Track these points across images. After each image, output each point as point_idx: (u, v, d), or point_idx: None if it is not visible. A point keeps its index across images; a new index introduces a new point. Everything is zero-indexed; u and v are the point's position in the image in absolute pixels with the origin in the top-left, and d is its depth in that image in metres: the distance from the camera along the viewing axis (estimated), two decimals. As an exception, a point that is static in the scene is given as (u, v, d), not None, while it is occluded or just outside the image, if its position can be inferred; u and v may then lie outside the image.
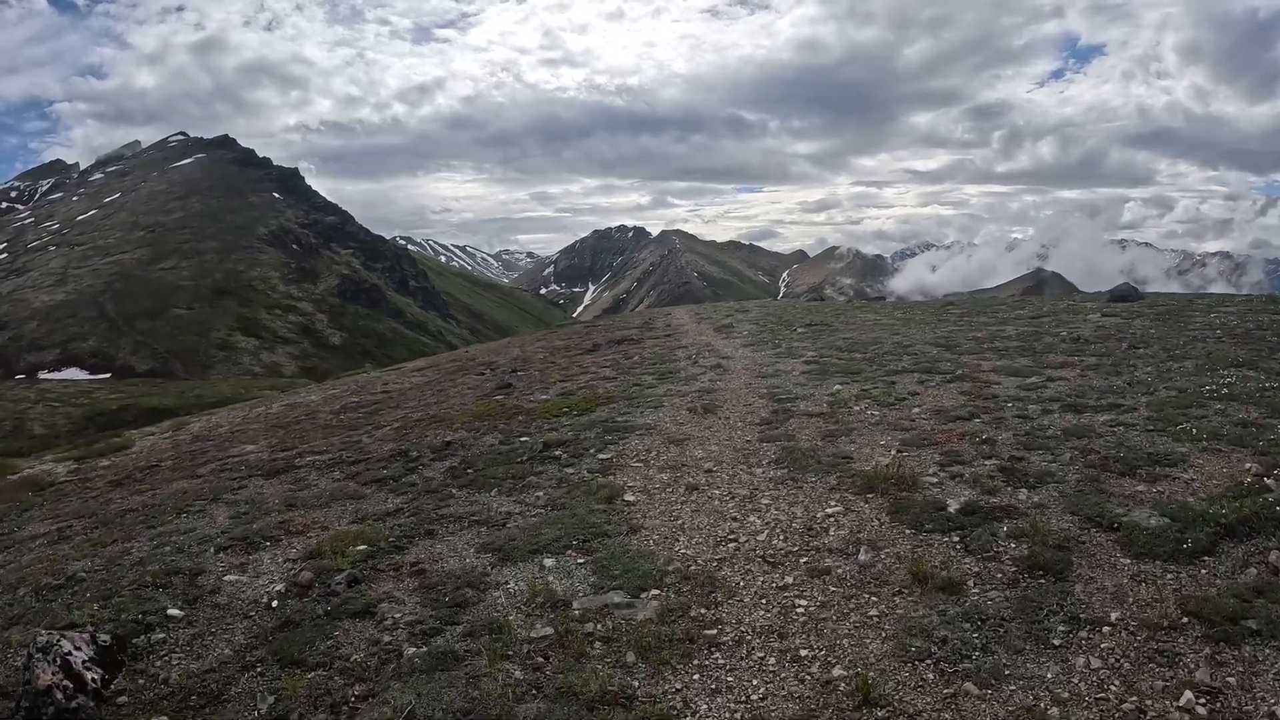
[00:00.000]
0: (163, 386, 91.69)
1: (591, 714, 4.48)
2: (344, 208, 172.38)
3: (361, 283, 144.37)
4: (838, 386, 11.94)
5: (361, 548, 7.03)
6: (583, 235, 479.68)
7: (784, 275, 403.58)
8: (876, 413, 10.21)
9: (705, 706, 4.57)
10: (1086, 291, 43.82)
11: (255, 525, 8.37)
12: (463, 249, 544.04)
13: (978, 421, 9.32)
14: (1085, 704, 4.28)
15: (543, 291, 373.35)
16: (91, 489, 13.64)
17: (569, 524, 7.02)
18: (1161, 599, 4.99)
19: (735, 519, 7.00)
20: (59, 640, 5.27)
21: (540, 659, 5.05)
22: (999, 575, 5.53)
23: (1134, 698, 4.28)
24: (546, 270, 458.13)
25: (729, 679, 4.79)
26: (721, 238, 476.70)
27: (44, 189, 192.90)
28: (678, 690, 4.71)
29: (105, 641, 5.72)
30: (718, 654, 5.02)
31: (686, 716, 4.51)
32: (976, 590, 5.37)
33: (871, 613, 5.27)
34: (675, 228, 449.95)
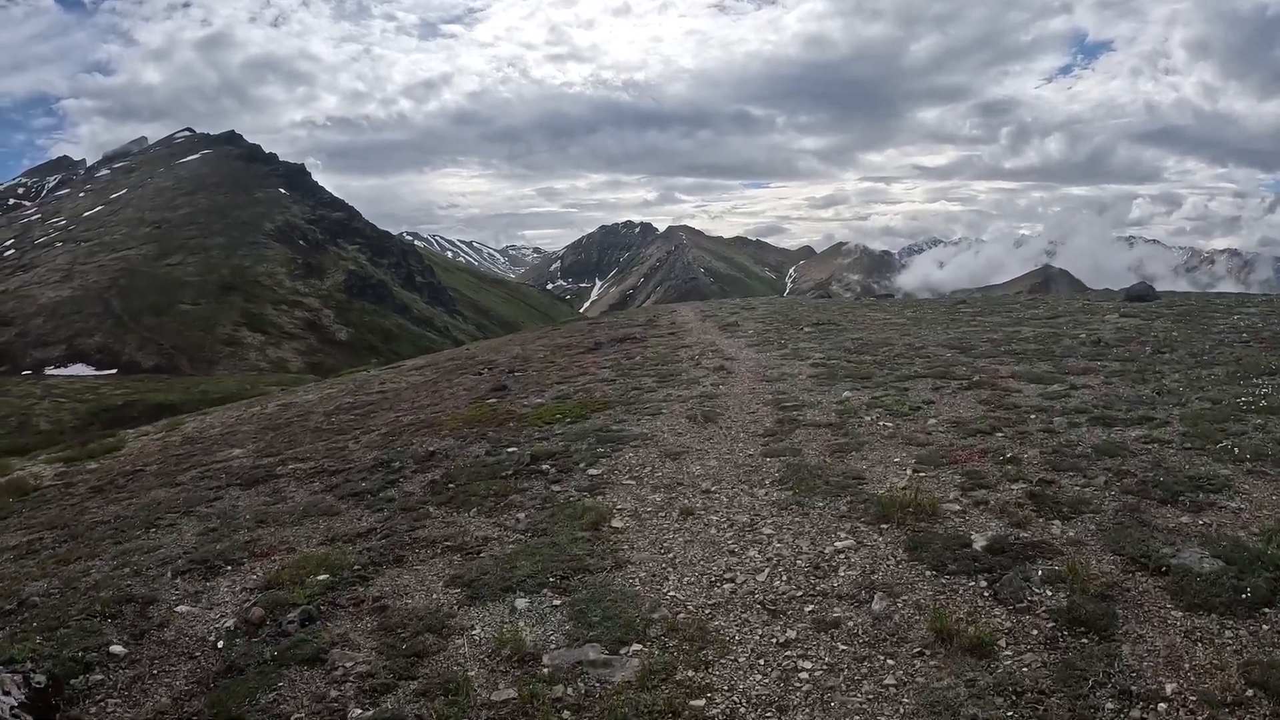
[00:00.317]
0: (168, 382, 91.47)
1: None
2: (350, 203, 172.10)
3: (368, 278, 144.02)
4: (847, 393, 11.24)
5: (323, 577, 6.40)
6: (589, 231, 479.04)
7: (791, 271, 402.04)
8: (889, 424, 9.51)
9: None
10: (1095, 288, 43.00)
11: (220, 545, 7.83)
12: (469, 244, 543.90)
13: (1000, 436, 8.61)
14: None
15: (549, 287, 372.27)
16: (72, 495, 13.20)
17: (548, 555, 6.34)
18: (1222, 665, 4.29)
19: (733, 552, 6.27)
20: (-9, 682, 4.69)
21: (497, 733, 4.40)
22: (1035, 632, 4.79)
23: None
24: (553, 266, 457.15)
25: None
26: (728, 234, 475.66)
27: (51, 185, 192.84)
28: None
29: (40, 683, 5.17)
30: (705, 733, 4.33)
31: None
32: (1010, 652, 4.62)
33: (888, 680, 4.52)
34: (682, 223, 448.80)
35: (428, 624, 5.42)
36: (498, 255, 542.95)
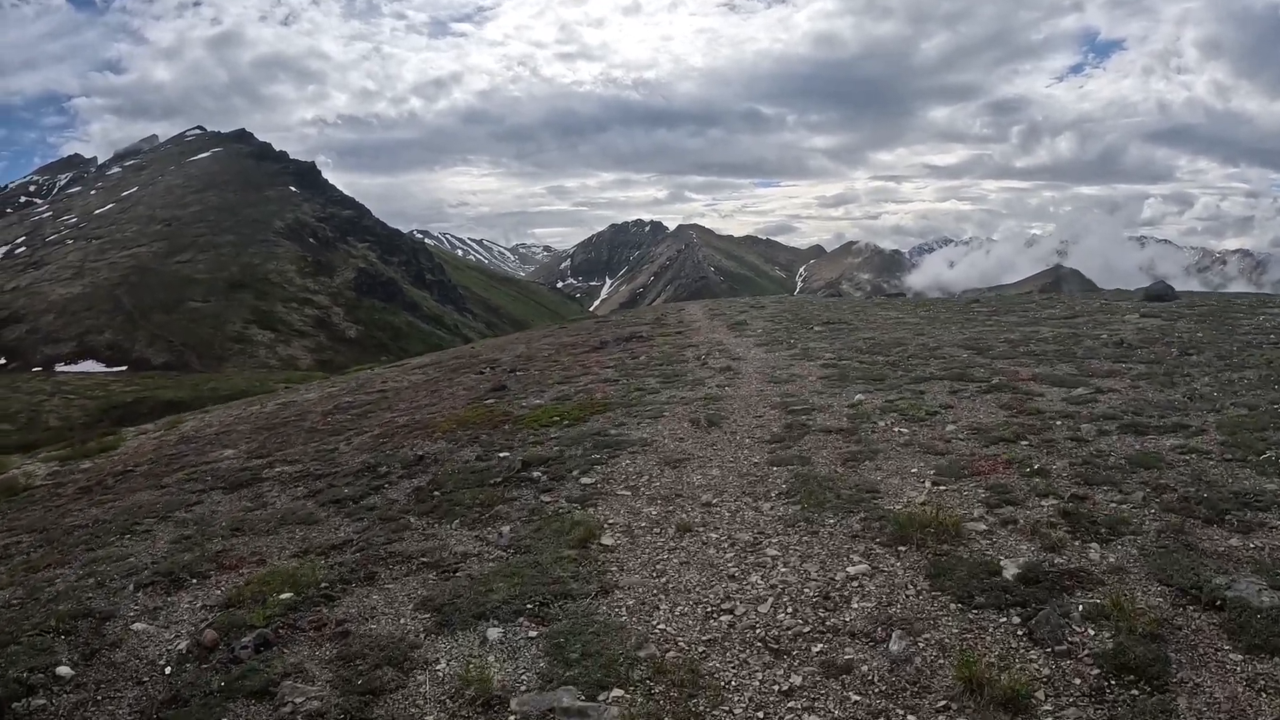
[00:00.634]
0: (178, 379, 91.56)
1: None
2: (361, 201, 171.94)
3: (378, 276, 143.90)
4: (859, 396, 10.64)
5: (286, 595, 5.87)
6: (599, 229, 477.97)
7: (801, 270, 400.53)
8: (905, 430, 8.89)
9: None
10: (1106, 288, 42.18)
11: (189, 556, 7.38)
12: (479, 243, 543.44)
13: (1025, 445, 7.99)
14: None
15: (559, 285, 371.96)
16: (59, 496, 12.96)
17: (528, 576, 5.76)
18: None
19: (733, 577, 5.64)
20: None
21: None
22: (1077, 681, 4.15)
23: None
24: (563, 264, 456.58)
25: None
26: (738, 232, 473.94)
27: (62, 183, 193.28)
28: None
29: (-22, 708, 4.70)
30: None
31: None
32: (1049, 706, 3.96)
33: (909, 743, 3.86)
34: (692, 222, 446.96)
35: (390, 655, 4.85)
36: (508, 253, 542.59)
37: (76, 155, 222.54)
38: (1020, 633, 4.64)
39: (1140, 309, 19.61)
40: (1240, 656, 4.30)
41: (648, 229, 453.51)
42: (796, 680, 4.41)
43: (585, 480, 8.02)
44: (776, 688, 4.38)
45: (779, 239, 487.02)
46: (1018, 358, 12.84)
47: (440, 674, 4.72)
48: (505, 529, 6.83)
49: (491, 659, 4.79)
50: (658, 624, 5.08)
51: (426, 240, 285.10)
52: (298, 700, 4.48)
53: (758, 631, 4.89)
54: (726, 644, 4.80)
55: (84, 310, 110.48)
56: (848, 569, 5.56)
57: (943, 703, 4.11)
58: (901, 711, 4.09)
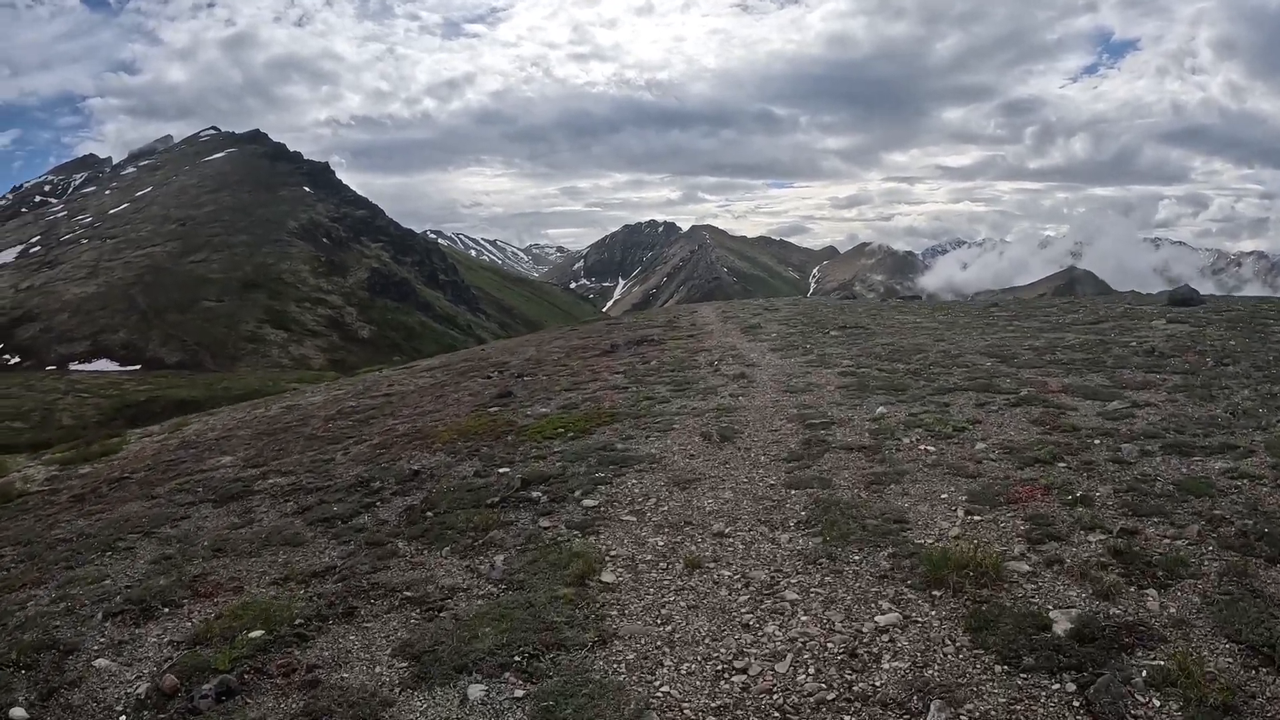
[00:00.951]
0: (191, 379, 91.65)
1: None
2: (374, 202, 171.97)
3: (391, 276, 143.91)
4: (881, 409, 10.05)
5: (258, 633, 5.37)
6: (613, 230, 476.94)
7: (814, 271, 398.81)
8: (932, 448, 8.29)
9: None
10: (1120, 290, 41.14)
11: (165, 581, 6.96)
12: (493, 243, 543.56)
13: (1063, 467, 7.38)
14: None
15: (573, 286, 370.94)
16: (52, 504, 12.70)
17: (519, 620, 5.19)
18: None
19: (748, 626, 5.02)
20: None
21: None
22: None
23: None
24: (576, 265, 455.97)
25: None
26: (752, 233, 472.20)
27: (77, 183, 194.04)
28: None
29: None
30: None
31: None
32: None
33: None
34: (705, 223, 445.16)
35: (360, 713, 4.33)
36: (521, 254, 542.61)
37: (91, 155, 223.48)
38: (1076, 703, 4.02)
39: (1166, 314, 19.02)
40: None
41: (661, 230, 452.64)
42: (821, 766, 3.74)
43: (588, 502, 7.47)
44: (798, 775, 3.72)
45: (792, 240, 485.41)
46: (1045, 367, 12.24)
47: (413, 741, 4.16)
48: (498, 559, 6.28)
49: (471, 724, 4.21)
50: (660, 685, 4.48)
51: (440, 240, 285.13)
52: (254, 766, 3.98)
53: (775, 698, 4.27)
54: (739, 713, 4.19)
55: (98, 309, 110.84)
56: (877, 619, 4.95)
57: (993, 797, 3.46)
58: (946, 809, 3.45)
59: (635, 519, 7.04)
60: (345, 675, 4.83)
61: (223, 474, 11.64)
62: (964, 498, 6.82)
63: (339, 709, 4.38)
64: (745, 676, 4.52)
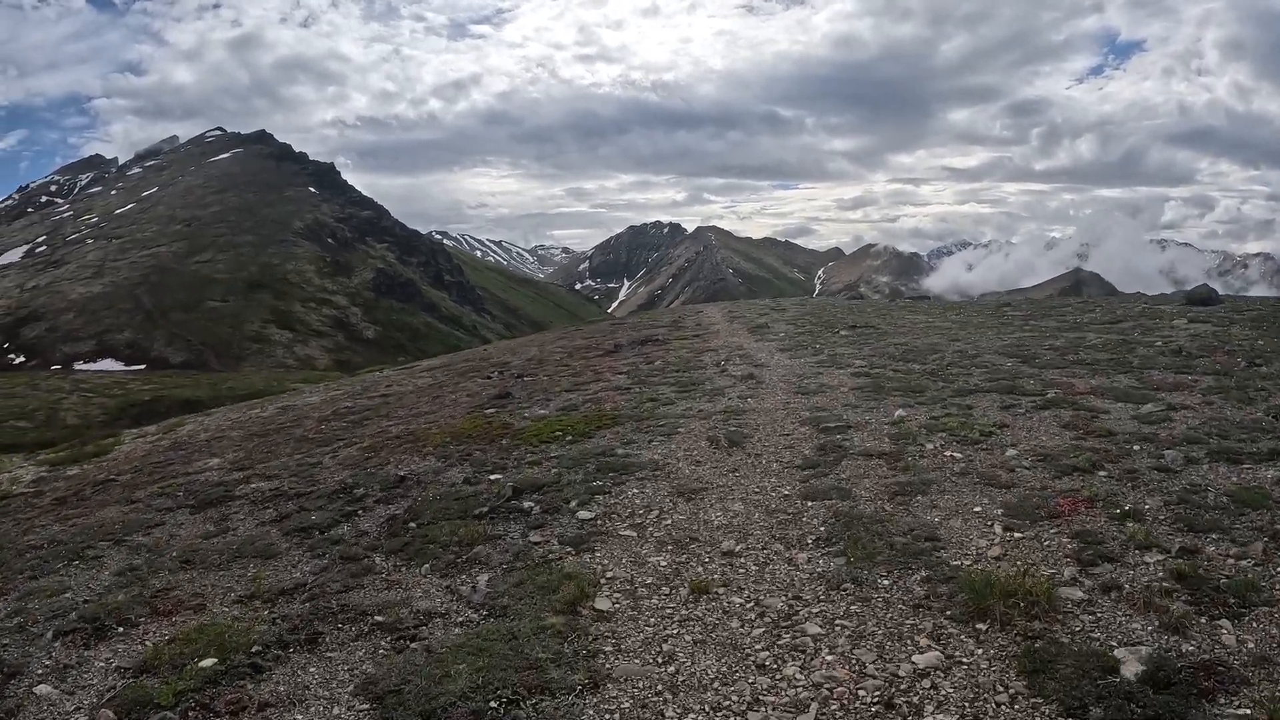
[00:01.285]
0: (195, 378, 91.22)
1: None
2: (380, 202, 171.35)
3: (396, 277, 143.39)
4: (900, 412, 9.41)
5: (210, 662, 4.79)
6: (618, 231, 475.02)
7: (820, 273, 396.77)
8: (958, 454, 7.63)
9: None
10: (1127, 291, 40.36)
11: (125, 596, 6.48)
12: (498, 244, 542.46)
13: (1104, 476, 6.73)
14: None
15: (578, 287, 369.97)
16: (34, 507, 12.38)
17: (499, 655, 4.54)
18: None
19: (763, 667, 4.33)
20: None
21: None
22: None
23: None
24: (582, 266, 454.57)
25: None
26: (757, 234, 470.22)
27: (83, 183, 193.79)
28: None
29: None
30: None
31: None
32: None
33: None
34: (711, 224, 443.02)
35: (310, 769, 3.77)
36: (526, 255, 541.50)
37: (97, 155, 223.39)
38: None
39: (1186, 314, 18.40)
40: None
41: (666, 231, 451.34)
42: None
43: (583, 514, 6.82)
44: None
45: (797, 241, 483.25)
46: (1069, 367, 11.62)
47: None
48: (482, 579, 5.65)
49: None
50: (662, 741, 3.78)
51: (445, 241, 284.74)
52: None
53: (799, 761, 3.56)
54: (756, 781, 3.48)
55: (103, 309, 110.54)
56: (915, 659, 4.26)
57: None
58: None
59: (635, 534, 6.38)
60: (299, 717, 4.24)
61: (207, 477, 11.22)
62: (1000, 511, 6.17)
63: (287, 761, 3.79)
64: (762, 732, 3.80)
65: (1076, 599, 4.73)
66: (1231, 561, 5.06)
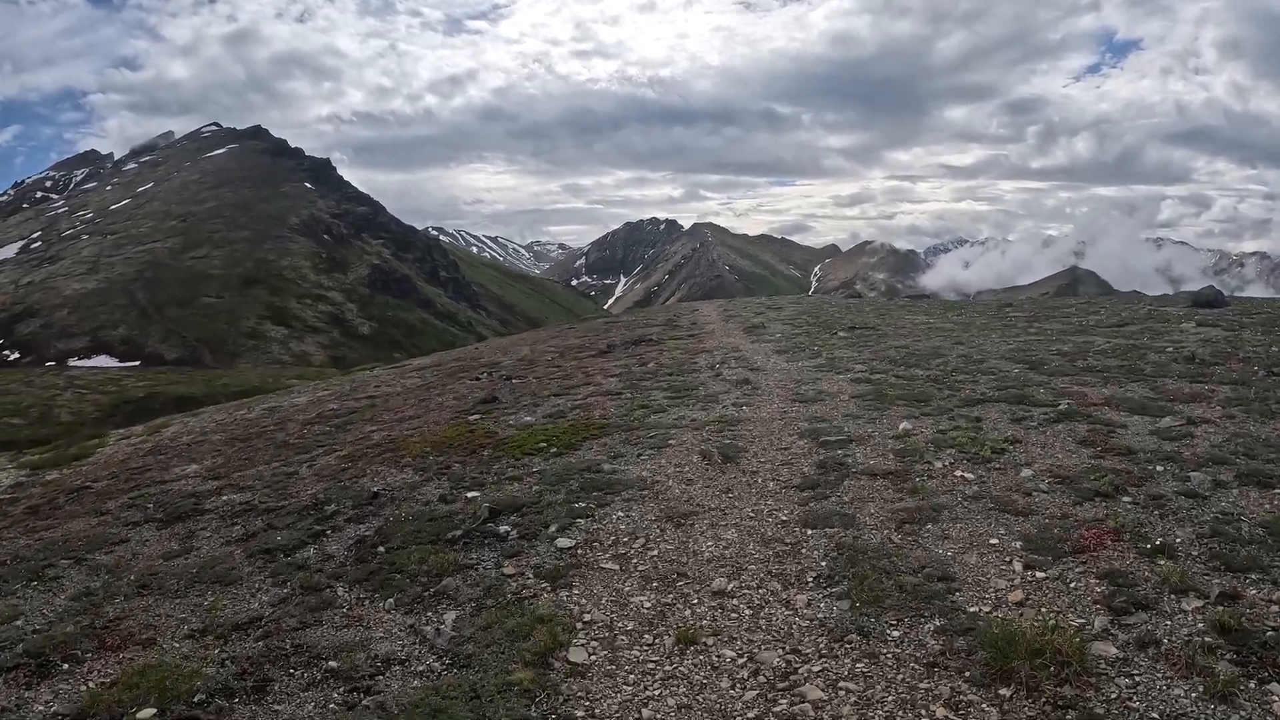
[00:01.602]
0: (190, 375, 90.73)
1: None
2: (377, 198, 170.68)
3: (392, 273, 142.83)
4: (905, 424, 8.86)
5: (148, 714, 4.31)
6: (615, 227, 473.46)
7: (816, 270, 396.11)
8: (970, 475, 7.07)
9: None
10: (1123, 290, 39.76)
11: (74, 627, 6.11)
12: (494, 240, 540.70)
13: (1128, 503, 6.19)
14: None
15: (574, 283, 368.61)
16: (6, 517, 12.22)
17: (458, 717, 4.01)
18: None
19: None
20: None
21: None
22: None
23: None
24: (578, 262, 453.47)
25: None
26: (754, 231, 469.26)
27: (78, 179, 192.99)
28: None
29: None
30: None
31: None
32: None
33: None
34: (707, 221, 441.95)
35: None
36: (523, 251, 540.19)
37: (93, 151, 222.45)
38: None
39: (1193, 316, 17.95)
40: None
41: (663, 227, 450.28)
42: None
43: (563, 542, 6.27)
44: None
45: (794, 238, 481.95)
46: (1079, 374, 11.12)
47: None
48: (449, 618, 5.11)
49: None
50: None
51: (441, 237, 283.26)
52: None
53: None
54: None
55: (98, 305, 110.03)
56: None
57: None
58: None
59: (618, 567, 5.82)
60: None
61: (181, 486, 10.82)
62: (1018, 543, 5.61)
63: None
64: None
65: (1110, 657, 4.18)
66: (1276, 609, 4.53)
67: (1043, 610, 4.61)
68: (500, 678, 4.32)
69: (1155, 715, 3.70)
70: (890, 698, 4.06)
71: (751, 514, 6.66)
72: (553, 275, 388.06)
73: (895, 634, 4.62)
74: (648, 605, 5.23)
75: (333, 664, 4.74)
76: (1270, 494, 6.23)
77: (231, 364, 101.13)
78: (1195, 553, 5.32)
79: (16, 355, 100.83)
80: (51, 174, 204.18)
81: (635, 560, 5.93)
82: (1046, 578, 5.11)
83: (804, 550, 5.85)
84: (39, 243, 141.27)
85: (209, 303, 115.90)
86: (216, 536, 8.03)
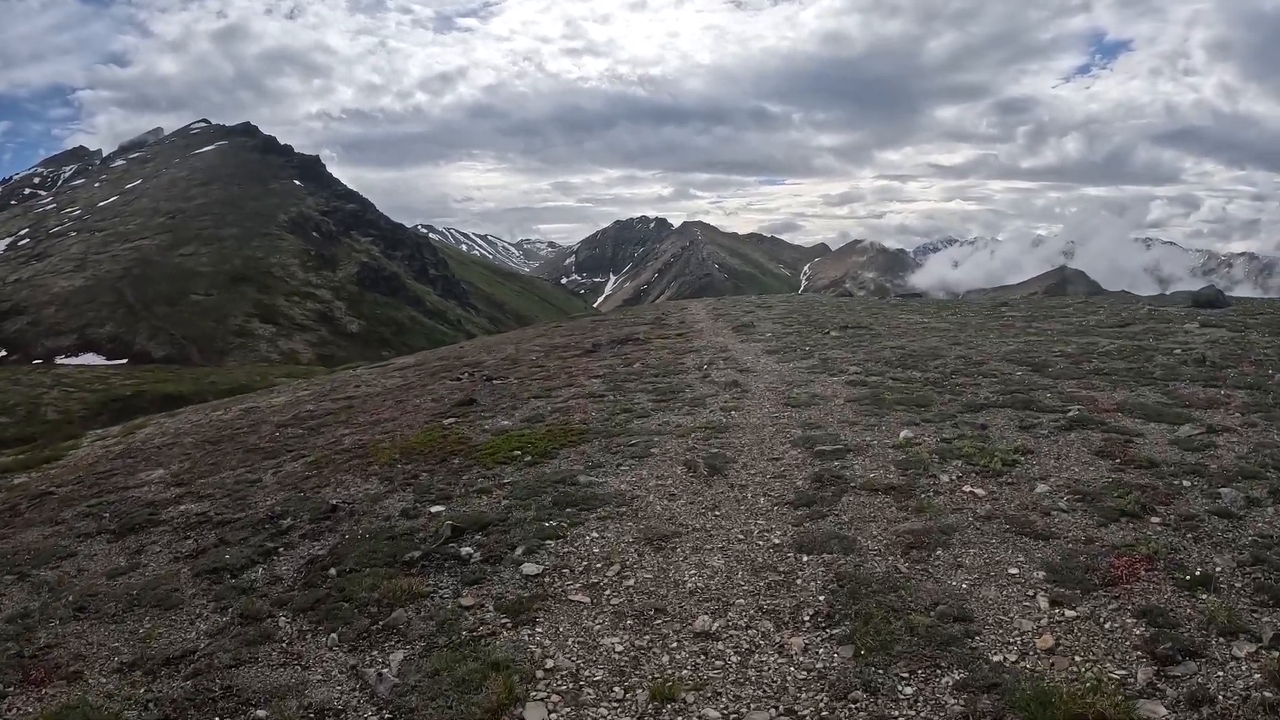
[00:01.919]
0: (178, 373, 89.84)
1: None
2: (366, 196, 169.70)
3: (381, 271, 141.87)
4: (906, 432, 8.20)
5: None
6: (604, 225, 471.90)
7: (805, 269, 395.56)
8: (980, 490, 6.41)
9: None
10: (1112, 290, 39.27)
11: (2, 656, 5.58)
12: (484, 238, 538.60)
13: (1157, 523, 5.57)
14: None
15: (564, 281, 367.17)
16: None
17: None
18: None
19: None
20: None
21: None
22: None
23: None
24: (568, 260, 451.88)
25: None
26: (743, 230, 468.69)
27: (66, 175, 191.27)
28: None
29: None
30: None
31: None
32: None
33: None
34: (697, 219, 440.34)
35: None
36: (512, 249, 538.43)
37: (81, 148, 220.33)
38: None
39: (1196, 316, 17.47)
40: None
41: (652, 226, 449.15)
42: None
43: (529, 569, 5.60)
44: None
45: (784, 237, 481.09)
46: (1086, 378, 10.53)
47: None
48: (396, 658, 4.46)
49: None
50: None
51: (431, 235, 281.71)
52: None
53: None
54: None
55: (86, 303, 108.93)
56: None
57: None
58: None
59: (588, 599, 5.15)
60: None
61: (141, 494, 10.35)
62: (1041, 573, 4.97)
63: None
64: None
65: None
66: (1340, 656, 3.88)
67: (1077, 659, 3.98)
68: (442, 743, 3.64)
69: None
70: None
71: (740, 536, 6.00)
72: (542, 273, 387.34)
73: (908, 690, 3.95)
74: (620, 649, 4.55)
75: (261, 713, 4.11)
76: (1310, 513, 5.63)
77: (219, 362, 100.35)
78: (1238, 584, 4.72)
79: (4, 353, 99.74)
80: (40, 170, 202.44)
81: (608, 592, 5.26)
82: (1077, 617, 4.47)
83: (799, 581, 5.18)
84: (26, 240, 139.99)
85: (197, 300, 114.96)
86: (166, 552, 7.57)
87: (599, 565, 5.65)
